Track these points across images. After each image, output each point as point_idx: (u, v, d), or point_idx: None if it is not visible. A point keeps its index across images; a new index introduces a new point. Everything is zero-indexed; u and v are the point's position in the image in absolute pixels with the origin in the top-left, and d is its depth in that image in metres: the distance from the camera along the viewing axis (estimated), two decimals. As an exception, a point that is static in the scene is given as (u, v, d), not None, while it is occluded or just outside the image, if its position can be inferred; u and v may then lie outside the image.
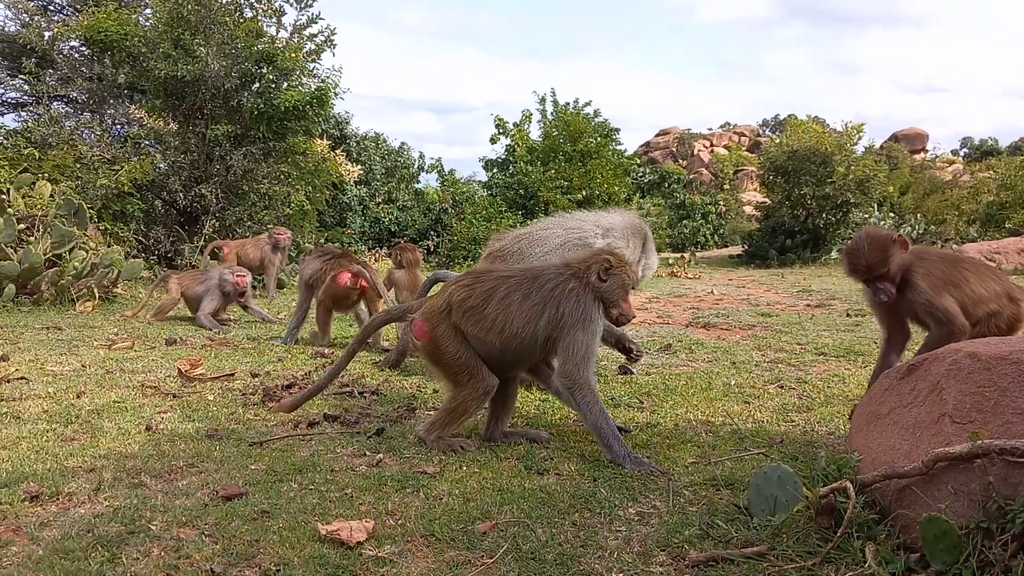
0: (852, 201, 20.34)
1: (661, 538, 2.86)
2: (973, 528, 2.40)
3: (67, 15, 14.65)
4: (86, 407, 4.64)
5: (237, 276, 8.58)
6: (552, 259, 4.77)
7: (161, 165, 12.96)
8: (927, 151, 48.19)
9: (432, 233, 20.65)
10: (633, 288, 4.00)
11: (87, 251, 10.16)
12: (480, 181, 23.66)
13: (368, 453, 3.86)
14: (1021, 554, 2.28)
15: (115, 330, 7.85)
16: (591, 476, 3.53)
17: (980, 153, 54.84)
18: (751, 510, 2.98)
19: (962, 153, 58.64)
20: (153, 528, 2.88)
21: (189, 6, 12.43)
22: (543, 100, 22.13)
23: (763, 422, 4.45)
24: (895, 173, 31.80)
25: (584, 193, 20.48)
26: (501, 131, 22.28)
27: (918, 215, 27.60)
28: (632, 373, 5.80)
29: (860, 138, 22.61)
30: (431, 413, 4.48)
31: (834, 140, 21.33)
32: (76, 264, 9.62)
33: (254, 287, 12.82)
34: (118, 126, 13.96)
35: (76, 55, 13.71)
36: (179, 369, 5.51)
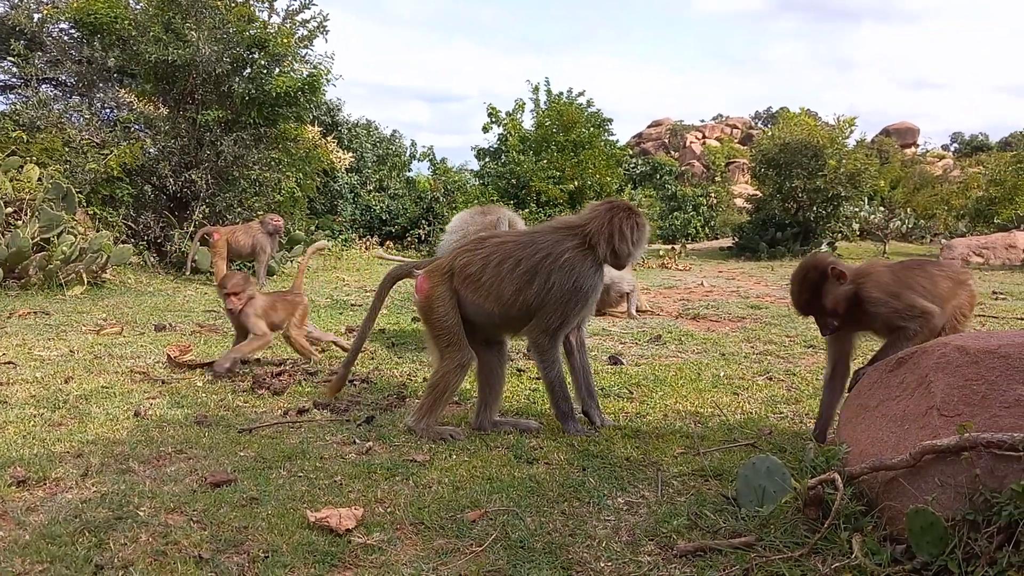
0: (843, 194, 20.38)
1: (649, 528, 2.87)
2: (959, 520, 2.41)
3: (56, -3, 14.49)
4: (74, 392, 4.61)
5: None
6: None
7: (151, 150, 12.83)
8: (918, 146, 48.34)
9: (423, 222, 20.60)
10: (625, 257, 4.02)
11: (76, 236, 10.07)
12: (472, 170, 23.61)
13: (358, 441, 3.85)
14: (1007, 546, 2.30)
15: (104, 315, 7.81)
16: (580, 466, 3.54)
17: (970, 148, 55.08)
18: (739, 501, 2.99)
19: (952, 148, 58.87)
20: (141, 514, 2.87)
21: (180, -11, 12.32)
22: (536, 89, 22.09)
23: (752, 413, 4.47)
24: (886, 167, 31.91)
25: (576, 183, 20.45)
26: (494, 120, 22.23)
27: (908, 209, 27.72)
28: (622, 364, 5.82)
29: (852, 132, 22.63)
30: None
31: (826, 133, 21.34)
32: (64, 249, 9.55)
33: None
34: (107, 110, 13.81)
35: (65, 37, 13.55)
36: (168, 355, 5.48)
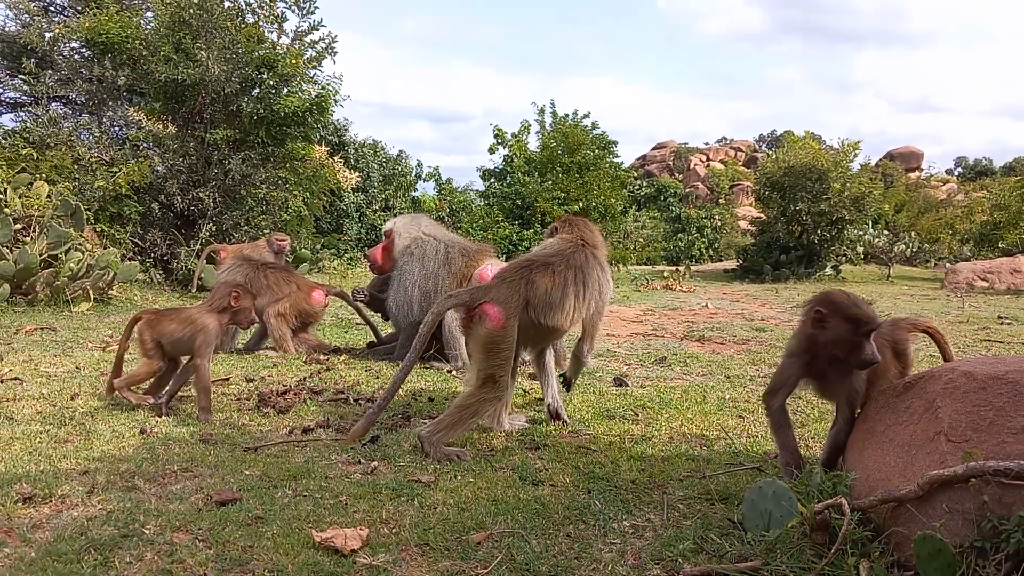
0: (847, 218, 20.44)
1: (655, 551, 2.86)
2: (967, 547, 2.41)
3: (68, 16, 14.66)
4: (80, 409, 4.62)
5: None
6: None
7: (159, 168, 12.93)
8: (922, 170, 48.49)
9: (428, 241, 20.66)
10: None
11: (83, 252, 10.13)
12: (477, 190, 23.72)
13: (363, 461, 3.85)
14: (1015, 574, 2.29)
15: (110, 332, 7.83)
16: (585, 488, 3.54)
17: (974, 173, 55.27)
18: (745, 525, 2.98)
19: (956, 172, 59.02)
20: (146, 532, 2.87)
21: (191, 10, 12.44)
22: (542, 111, 22.21)
23: (758, 437, 4.46)
24: (890, 191, 31.99)
25: (581, 204, 20.52)
26: (499, 141, 22.34)
27: (912, 233, 27.76)
28: (627, 386, 5.81)
29: (856, 155, 22.73)
30: (425, 422, 4.50)
31: (830, 157, 21.44)
32: (72, 265, 9.60)
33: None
34: (116, 128, 13.94)
35: (76, 56, 13.70)
36: (174, 373, 5.49)
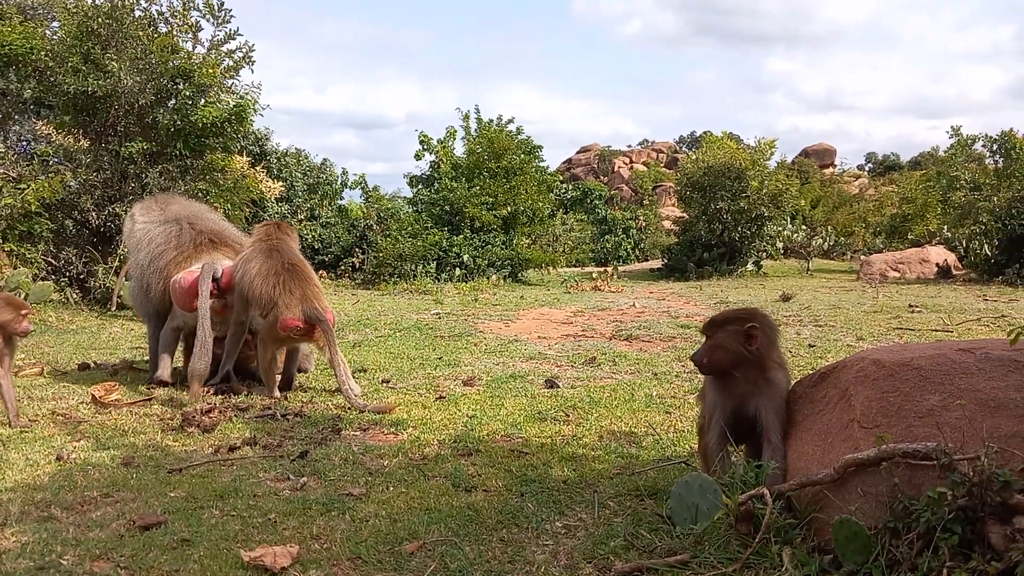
0: (766, 215, 21.02)
1: (587, 550, 2.90)
2: (881, 528, 2.51)
3: (-33, 28, 14.00)
4: (-9, 438, 4.42)
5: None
6: None
7: (72, 183, 12.42)
8: (835, 166, 50.25)
9: (357, 250, 20.42)
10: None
11: (-9, 274, 9.69)
12: (405, 197, 23.56)
13: (292, 477, 3.79)
14: (926, 552, 2.40)
15: (22, 356, 7.50)
16: (518, 491, 3.56)
17: (883, 168, 57.54)
18: (674, 519, 3.04)
19: (867, 168, 61.39)
20: (64, 563, 2.77)
21: (99, 19, 12.01)
22: (467, 117, 22.22)
23: (684, 432, 4.56)
24: (806, 187, 33.04)
25: (509, 209, 20.59)
26: (425, 147, 22.25)
27: (828, 227, 28.76)
28: (558, 387, 5.87)
29: (772, 154, 23.45)
30: (357, 434, 4.49)
31: (748, 156, 22.03)
32: (-22, 288, 9.17)
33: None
34: (24, 143, 13.39)
35: (-23, 69, 13.10)
36: (93, 395, 5.30)
